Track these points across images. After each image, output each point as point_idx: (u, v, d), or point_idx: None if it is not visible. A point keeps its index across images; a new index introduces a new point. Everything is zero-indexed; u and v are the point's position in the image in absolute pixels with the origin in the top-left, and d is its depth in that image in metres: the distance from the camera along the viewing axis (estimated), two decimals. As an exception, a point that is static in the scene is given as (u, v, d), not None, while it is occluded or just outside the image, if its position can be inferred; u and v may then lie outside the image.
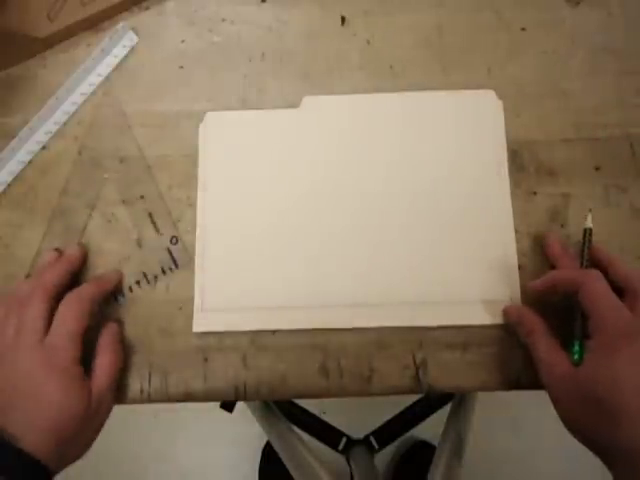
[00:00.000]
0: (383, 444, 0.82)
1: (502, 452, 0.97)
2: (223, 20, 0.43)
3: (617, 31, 0.41)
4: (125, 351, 0.36)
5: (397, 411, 0.86)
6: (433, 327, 0.36)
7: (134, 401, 0.36)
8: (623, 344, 0.28)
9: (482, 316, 0.36)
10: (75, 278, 0.37)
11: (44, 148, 0.41)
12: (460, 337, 0.36)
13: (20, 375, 0.31)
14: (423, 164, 0.39)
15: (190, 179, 0.39)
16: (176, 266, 0.38)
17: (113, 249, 0.38)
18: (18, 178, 0.40)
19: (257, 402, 0.67)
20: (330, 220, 0.38)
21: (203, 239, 0.38)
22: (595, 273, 0.32)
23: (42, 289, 0.33)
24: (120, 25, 0.41)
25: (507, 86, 0.40)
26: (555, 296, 0.35)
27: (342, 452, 0.81)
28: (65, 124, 0.41)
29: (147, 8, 0.43)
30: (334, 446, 0.82)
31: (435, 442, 0.92)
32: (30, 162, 0.40)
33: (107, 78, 0.42)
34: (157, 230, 0.39)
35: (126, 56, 0.42)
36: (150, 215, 0.39)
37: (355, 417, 0.88)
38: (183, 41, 0.42)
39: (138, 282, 0.38)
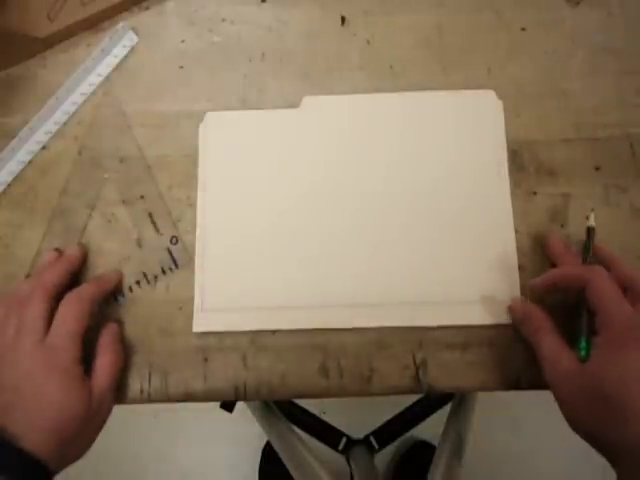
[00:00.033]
0: (383, 444, 0.82)
1: (502, 452, 0.97)
2: (223, 20, 0.43)
3: (617, 31, 0.41)
4: (125, 351, 0.36)
5: (397, 411, 0.86)
6: (433, 327, 0.36)
7: (134, 401, 0.36)
8: (630, 341, 0.28)
9: (482, 316, 0.36)
10: (75, 278, 0.37)
11: (44, 148, 0.41)
12: (460, 337, 0.36)
13: (21, 375, 0.31)
14: (423, 164, 0.39)
15: (190, 179, 0.39)
16: (176, 266, 0.38)
17: (113, 249, 0.38)
18: (18, 178, 0.40)
19: (257, 402, 0.67)
20: (330, 220, 0.38)
21: (203, 239, 0.38)
22: (602, 270, 0.31)
23: (42, 289, 0.33)
24: (120, 25, 0.41)
25: (507, 86, 0.40)
26: (555, 294, 0.35)
27: (342, 452, 0.81)
28: (65, 124, 0.41)
29: (147, 8, 0.43)
30: (334, 446, 0.82)
31: (435, 442, 0.92)
32: (30, 162, 0.40)
33: (107, 78, 0.42)
34: (157, 230, 0.39)
35: (126, 56, 0.42)
36: (150, 215, 0.39)
37: (355, 417, 0.88)
38: (183, 41, 0.42)
39: (138, 282, 0.38)
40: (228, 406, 0.80)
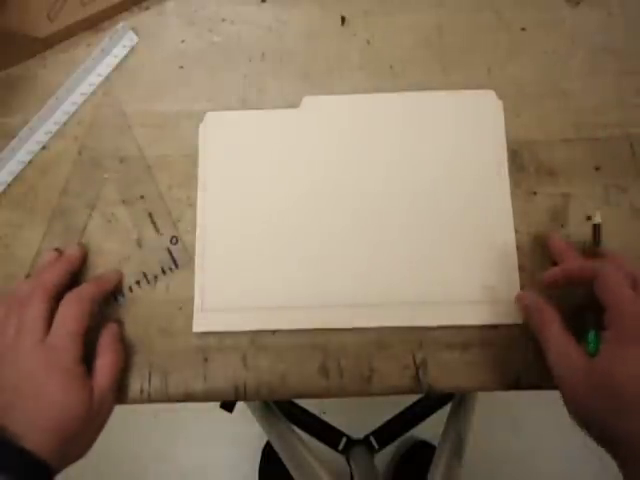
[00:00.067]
0: (383, 444, 0.82)
1: (502, 452, 0.97)
2: (223, 20, 0.43)
3: (617, 31, 0.41)
4: (126, 351, 0.36)
5: (397, 411, 0.86)
6: (433, 327, 0.36)
7: (134, 401, 0.36)
8: None
9: (482, 316, 0.36)
10: (75, 278, 0.37)
11: (44, 148, 0.41)
12: (460, 337, 0.36)
13: (21, 375, 0.31)
14: (423, 164, 0.39)
15: (190, 179, 0.39)
16: (176, 266, 0.38)
17: (113, 249, 0.38)
18: (18, 178, 0.40)
19: (257, 402, 0.67)
20: (330, 220, 0.38)
21: (203, 239, 0.38)
22: (612, 264, 0.31)
23: (42, 289, 0.33)
24: (120, 25, 0.41)
25: (507, 86, 0.40)
26: (560, 290, 0.34)
27: (342, 452, 0.81)
28: (65, 124, 0.41)
29: (147, 8, 0.43)
30: (334, 446, 0.82)
31: (435, 442, 0.92)
32: (30, 162, 0.40)
33: (107, 78, 0.42)
34: (157, 230, 0.39)
35: (126, 56, 0.42)
36: (150, 215, 0.39)
37: (355, 417, 0.88)
38: (183, 41, 0.42)
39: (138, 282, 0.38)
40: (228, 406, 0.80)
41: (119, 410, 0.35)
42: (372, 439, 0.82)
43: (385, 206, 0.38)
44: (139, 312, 0.37)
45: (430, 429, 0.91)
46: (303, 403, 0.86)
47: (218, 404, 0.81)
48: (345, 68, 0.41)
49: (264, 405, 0.68)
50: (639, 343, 0.28)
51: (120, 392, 0.35)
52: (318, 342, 0.36)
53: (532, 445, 0.97)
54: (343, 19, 0.42)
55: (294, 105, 0.40)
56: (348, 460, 0.80)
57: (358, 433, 0.83)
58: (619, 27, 0.41)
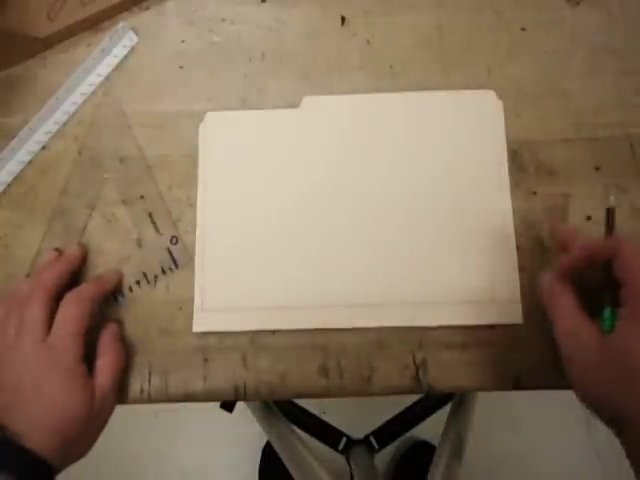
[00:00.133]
0: (383, 444, 0.82)
1: (502, 452, 0.97)
2: (223, 20, 0.43)
3: (617, 31, 0.41)
4: (126, 351, 0.36)
5: (397, 411, 0.86)
6: (433, 327, 0.36)
7: (134, 401, 0.36)
8: None
9: (482, 316, 0.36)
10: (75, 278, 0.37)
11: (44, 148, 0.41)
12: (460, 337, 0.36)
13: (22, 375, 0.31)
14: (423, 164, 0.39)
15: (190, 179, 0.39)
16: (176, 266, 0.38)
17: (113, 249, 0.38)
18: (18, 178, 0.40)
19: (257, 402, 0.67)
20: (330, 220, 0.38)
21: (203, 239, 0.38)
22: (630, 242, 0.30)
23: (42, 288, 0.33)
24: (120, 25, 0.41)
25: (507, 86, 0.40)
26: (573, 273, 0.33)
27: (342, 452, 0.81)
28: (65, 124, 0.41)
29: (147, 8, 0.43)
30: (334, 446, 0.81)
31: (435, 442, 0.92)
32: (30, 162, 0.40)
33: (107, 78, 0.42)
34: (157, 230, 0.39)
35: (126, 56, 0.42)
36: (150, 215, 0.39)
37: (355, 417, 0.88)
38: (183, 41, 0.42)
39: (138, 282, 0.38)
40: (228, 406, 0.80)
41: (119, 410, 0.35)
42: (372, 439, 0.82)
43: (385, 206, 0.38)
44: (139, 312, 0.37)
45: (430, 429, 0.91)
46: (303, 403, 0.86)
47: (218, 404, 0.81)
48: (345, 68, 0.41)
49: (264, 405, 0.67)
50: None
51: (120, 392, 0.35)
52: (318, 342, 0.36)
53: (532, 445, 0.97)
54: (343, 19, 0.42)
55: (294, 105, 0.40)
56: (348, 460, 0.80)
57: (358, 433, 0.83)
58: (619, 27, 0.41)
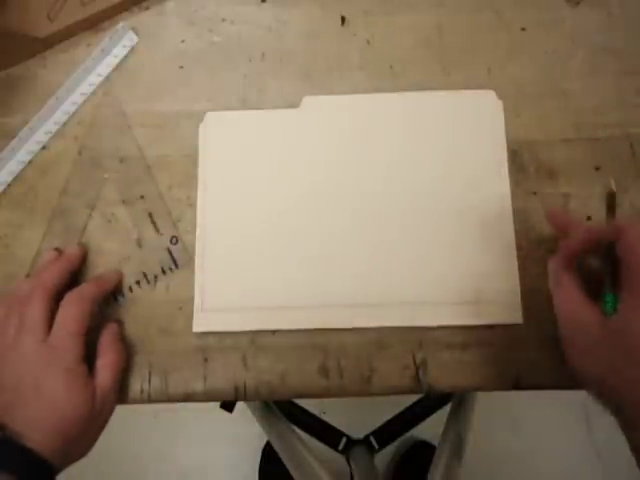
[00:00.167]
0: (383, 444, 0.82)
1: (502, 452, 0.97)
2: (223, 20, 0.43)
3: (617, 31, 0.41)
4: (126, 351, 0.36)
5: (397, 411, 0.86)
6: (433, 327, 0.36)
7: (134, 401, 0.36)
8: None
9: (482, 316, 0.36)
10: (75, 278, 0.37)
11: (44, 148, 0.41)
12: (460, 337, 0.36)
13: (23, 375, 0.31)
14: (423, 164, 0.39)
15: (190, 179, 0.39)
16: (176, 266, 0.38)
17: (113, 249, 0.38)
18: (18, 178, 0.40)
19: (257, 402, 0.67)
20: (330, 220, 0.38)
21: (203, 239, 0.38)
22: (633, 226, 0.30)
23: (42, 288, 0.33)
24: (120, 25, 0.41)
25: (507, 86, 0.40)
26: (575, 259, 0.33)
27: (342, 452, 0.81)
28: (65, 124, 0.41)
29: (147, 8, 0.43)
30: (334, 446, 0.82)
31: (435, 442, 0.92)
32: (30, 162, 0.40)
33: (107, 78, 0.42)
34: (157, 230, 0.39)
35: (126, 56, 0.42)
36: (150, 215, 0.39)
37: (355, 417, 0.88)
38: (183, 41, 0.42)
39: (138, 282, 0.38)
40: (228, 406, 0.80)
41: (119, 410, 0.35)
42: (372, 439, 0.82)
43: (385, 206, 0.38)
44: (139, 312, 0.37)
45: (430, 429, 0.91)
46: (303, 403, 0.86)
47: (218, 404, 0.81)
48: (345, 68, 0.41)
49: (264, 405, 0.68)
50: None
51: (120, 392, 0.35)
52: (318, 342, 0.36)
53: (532, 445, 0.97)
54: (343, 19, 0.42)
55: (294, 105, 0.40)
56: (348, 460, 0.80)
57: (358, 433, 0.83)
58: (619, 27, 0.41)
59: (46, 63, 0.42)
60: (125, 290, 0.38)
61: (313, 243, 0.38)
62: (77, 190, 0.39)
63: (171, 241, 0.38)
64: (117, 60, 0.42)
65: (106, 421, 0.34)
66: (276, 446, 0.66)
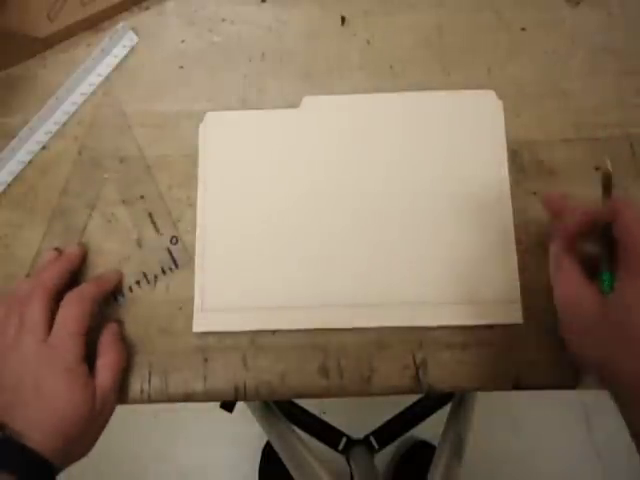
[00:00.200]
0: (383, 444, 0.82)
1: (502, 452, 0.97)
2: (223, 20, 0.43)
3: (617, 31, 0.41)
4: (127, 350, 0.36)
5: (397, 411, 0.86)
6: (433, 327, 0.36)
7: (134, 401, 0.36)
8: None
9: (482, 316, 0.36)
10: (75, 277, 0.37)
11: (44, 148, 0.41)
12: (460, 337, 0.36)
13: (23, 375, 0.31)
14: (423, 164, 0.39)
15: (190, 179, 0.39)
16: (176, 266, 0.38)
17: (113, 249, 0.38)
18: (18, 178, 0.40)
19: (257, 402, 0.67)
20: (330, 220, 0.38)
21: (203, 239, 0.38)
22: (629, 207, 0.30)
23: (42, 288, 0.33)
24: (120, 25, 0.41)
25: (507, 86, 0.40)
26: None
27: (342, 452, 0.81)
28: (65, 124, 0.41)
29: (147, 8, 0.43)
30: (334, 446, 0.82)
31: (435, 442, 0.92)
32: (30, 162, 0.40)
33: (107, 78, 0.42)
34: (157, 230, 0.39)
35: (126, 56, 0.42)
36: (150, 215, 0.39)
37: (355, 417, 0.88)
38: (183, 41, 0.42)
39: (138, 282, 0.38)
40: (228, 406, 0.80)
41: (119, 410, 0.35)
42: (372, 439, 0.82)
43: (385, 206, 0.38)
44: (139, 312, 0.37)
45: (430, 429, 0.91)
46: (303, 403, 0.86)
47: (218, 404, 0.81)
48: (345, 68, 0.41)
49: (264, 405, 0.68)
50: None
51: (120, 392, 0.35)
52: (318, 342, 0.36)
53: (532, 445, 0.97)
54: (343, 19, 0.42)
55: (294, 105, 0.40)
56: (348, 460, 0.80)
57: (358, 433, 0.83)
58: (619, 27, 0.41)
59: (46, 63, 0.42)
60: (125, 290, 0.38)
61: (313, 243, 0.38)
62: (77, 190, 0.39)
63: (171, 241, 0.38)
64: (117, 60, 0.42)
65: (106, 421, 0.34)
66: (276, 446, 0.66)
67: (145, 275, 0.38)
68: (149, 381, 0.36)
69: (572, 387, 0.35)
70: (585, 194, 0.38)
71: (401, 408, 0.86)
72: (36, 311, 0.32)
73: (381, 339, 0.36)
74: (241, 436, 0.98)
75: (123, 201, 0.39)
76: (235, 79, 0.41)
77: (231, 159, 0.39)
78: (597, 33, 0.41)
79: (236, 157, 0.39)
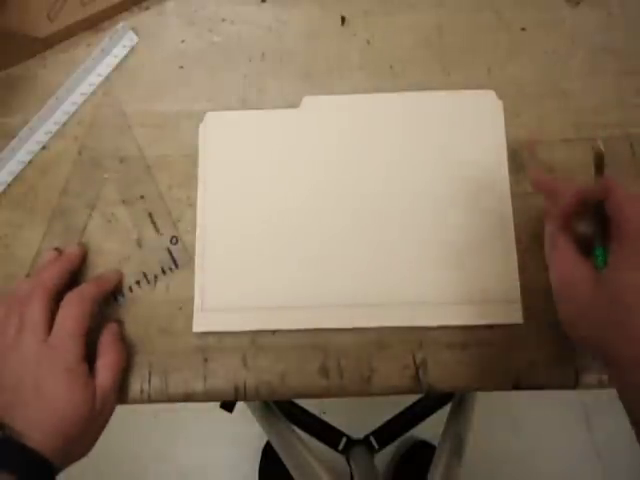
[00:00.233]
0: (383, 444, 0.82)
1: (502, 452, 0.97)
2: (223, 20, 0.43)
3: (617, 31, 0.41)
4: (127, 350, 0.36)
5: (397, 411, 0.86)
6: (433, 327, 0.36)
7: (134, 401, 0.36)
8: None
9: (482, 316, 0.36)
10: (75, 277, 0.37)
11: (44, 148, 0.41)
12: (460, 337, 0.36)
13: (23, 375, 0.31)
14: (423, 164, 0.39)
15: (190, 179, 0.39)
16: (176, 266, 0.38)
17: (113, 249, 0.38)
18: (18, 178, 0.40)
19: (257, 402, 0.67)
20: (330, 220, 0.38)
21: (203, 239, 0.38)
22: (619, 185, 0.30)
23: (42, 288, 0.33)
24: (120, 25, 0.41)
25: (507, 86, 0.40)
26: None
27: (342, 452, 0.81)
28: (65, 124, 0.41)
29: (147, 8, 0.43)
30: (334, 446, 0.82)
31: (435, 442, 0.92)
32: (30, 162, 0.40)
33: (107, 78, 0.42)
34: (157, 230, 0.39)
35: (126, 56, 0.42)
36: (150, 215, 0.39)
37: (355, 417, 0.88)
38: (183, 41, 0.42)
39: (138, 282, 0.38)
40: (228, 406, 0.80)
41: (119, 410, 0.35)
42: (372, 439, 0.82)
43: (385, 206, 0.38)
44: (139, 312, 0.37)
45: (430, 429, 0.91)
46: (303, 403, 0.86)
47: (218, 404, 0.81)
48: (345, 68, 0.41)
49: (264, 405, 0.68)
50: None
51: (120, 392, 0.35)
52: (318, 342, 0.36)
53: (532, 445, 0.97)
54: (343, 19, 0.42)
55: (294, 105, 0.40)
56: (348, 460, 0.80)
57: (358, 433, 0.84)
58: (619, 27, 0.41)
59: (46, 63, 0.42)
60: (125, 290, 0.38)
61: (313, 243, 0.38)
62: (77, 190, 0.39)
63: (171, 241, 0.38)
64: (117, 60, 0.42)
65: (106, 421, 0.34)
66: (276, 446, 0.66)
67: (145, 275, 0.38)
68: (149, 381, 0.36)
69: (572, 387, 0.35)
70: (585, 194, 0.38)
71: (401, 408, 0.86)
72: (36, 311, 0.32)
73: (381, 339, 0.36)
74: (241, 436, 0.98)
75: (123, 201, 0.39)
76: (235, 79, 0.41)
77: (231, 159, 0.39)
78: (597, 33, 0.41)
79: (236, 157, 0.39)
